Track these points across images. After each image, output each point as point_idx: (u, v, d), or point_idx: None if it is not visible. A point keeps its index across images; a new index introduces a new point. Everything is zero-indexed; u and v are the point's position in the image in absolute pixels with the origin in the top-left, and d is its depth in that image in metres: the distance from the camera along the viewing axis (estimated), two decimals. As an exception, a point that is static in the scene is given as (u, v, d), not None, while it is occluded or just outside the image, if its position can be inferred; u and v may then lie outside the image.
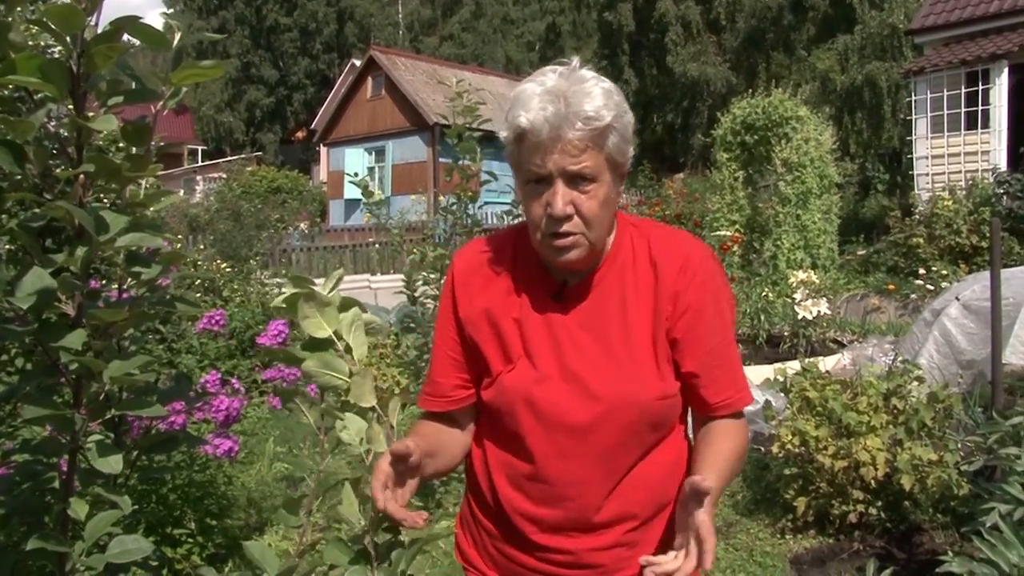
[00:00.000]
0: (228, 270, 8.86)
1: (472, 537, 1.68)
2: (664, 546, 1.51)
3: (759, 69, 30.83)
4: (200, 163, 36.63)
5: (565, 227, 1.46)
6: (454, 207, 5.76)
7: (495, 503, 1.60)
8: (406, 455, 1.34)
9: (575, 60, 1.49)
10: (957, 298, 5.74)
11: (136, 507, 3.56)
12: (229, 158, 33.96)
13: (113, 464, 1.29)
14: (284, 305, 1.41)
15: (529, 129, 1.42)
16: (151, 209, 1.53)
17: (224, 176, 24.82)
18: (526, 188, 1.49)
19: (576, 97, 1.41)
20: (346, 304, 1.44)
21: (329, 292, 1.44)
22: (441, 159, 22.93)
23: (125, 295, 1.59)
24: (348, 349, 1.43)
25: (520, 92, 1.45)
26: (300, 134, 39.79)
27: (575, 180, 1.44)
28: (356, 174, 6.98)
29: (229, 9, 41.37)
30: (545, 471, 1.51)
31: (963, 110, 13.65)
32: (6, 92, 1.52)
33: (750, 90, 14.68)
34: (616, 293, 1.55)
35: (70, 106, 1.40)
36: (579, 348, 1.52)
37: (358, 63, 29.87)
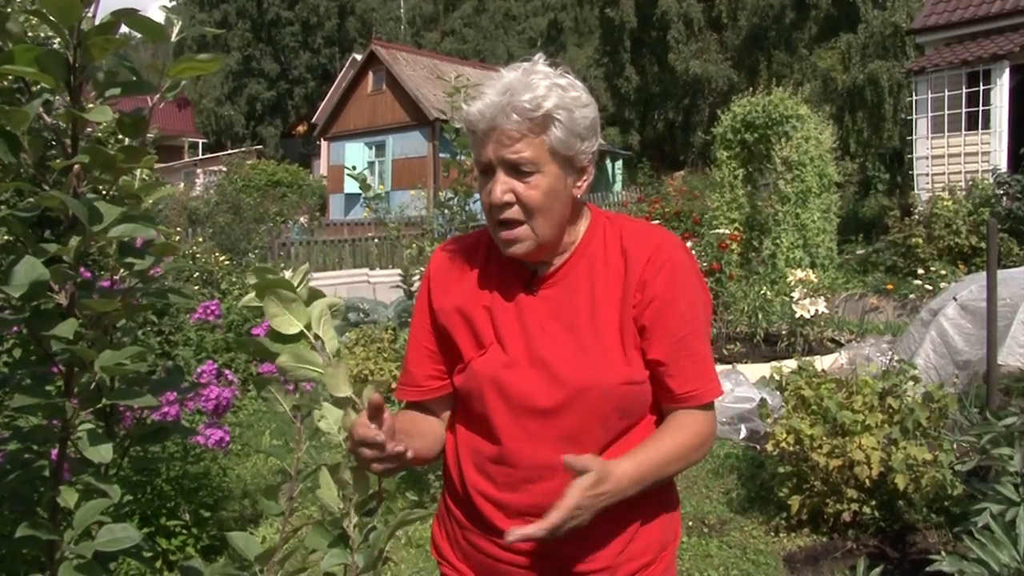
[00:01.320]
0: (227, 263, 8.87)
1: (446, 530, 1.72)
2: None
3: (760, 67, 30.82)
4: (200, 156, 36.62)
5: (506, 215, 1.52)
6: (452, 202, 5.77)
7: (463, 490, 1.63)
8: (379, 406, 1.34)
9: (538, 56, 1.55)
10: (955, 298, 5.74)
11: (131, 498, 3.57)
12: (229, 151, 33.94)
13: (103, 453, 1.30)
14: (253, 304, 1.41)
15: (469, 120, 1.51)
16: (149, 201, 1.54)
17: (224, 169, 24.81)
18: (480, 179, 1.57)
19: (519, 89, 1.47)
20: (313, 296, 1.45)
21: (298, 286, 1.44)
22: (441, 154, 22.92)
23: (118, 286, 1.59)
24: (319, 340, 1.43)
25: (481, 87, 1.53)
26: (301, 128, 39.74)
27: (515, 170, 1.50)
28: (355, 168, 6.98)
29: (230, 2, 41.32)
30: (511, 454, 1.54)
31: (964, 110, 13.65)
32: (6, 83, 1.52)
33: (751, 88, 14.67)
34: (585, 282, 1.58)
35: (65, 97, 1.40)
36: (548, 335, 1.56)
37: (359, 58, 29.85)
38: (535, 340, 1.56)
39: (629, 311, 1.54)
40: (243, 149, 33.97)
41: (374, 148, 27.13)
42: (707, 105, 30.69)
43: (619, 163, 29.78)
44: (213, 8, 41.23)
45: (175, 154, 37.24)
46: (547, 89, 1.47)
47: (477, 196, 5.87)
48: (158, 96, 1.48)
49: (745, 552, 4.13)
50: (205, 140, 40.61)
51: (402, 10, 47.39)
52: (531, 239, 1.53)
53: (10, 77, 1.49)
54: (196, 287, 7.75)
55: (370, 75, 27.70)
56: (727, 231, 11.91)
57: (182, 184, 28.40)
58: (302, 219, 20.15)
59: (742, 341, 8.29)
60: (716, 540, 4.28)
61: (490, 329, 1.60)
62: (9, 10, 1.38)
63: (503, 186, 1.51)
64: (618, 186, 27.88)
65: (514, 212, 1.52)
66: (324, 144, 30.17)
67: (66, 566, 1.22)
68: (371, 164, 26.36)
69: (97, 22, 1.36)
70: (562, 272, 1.61)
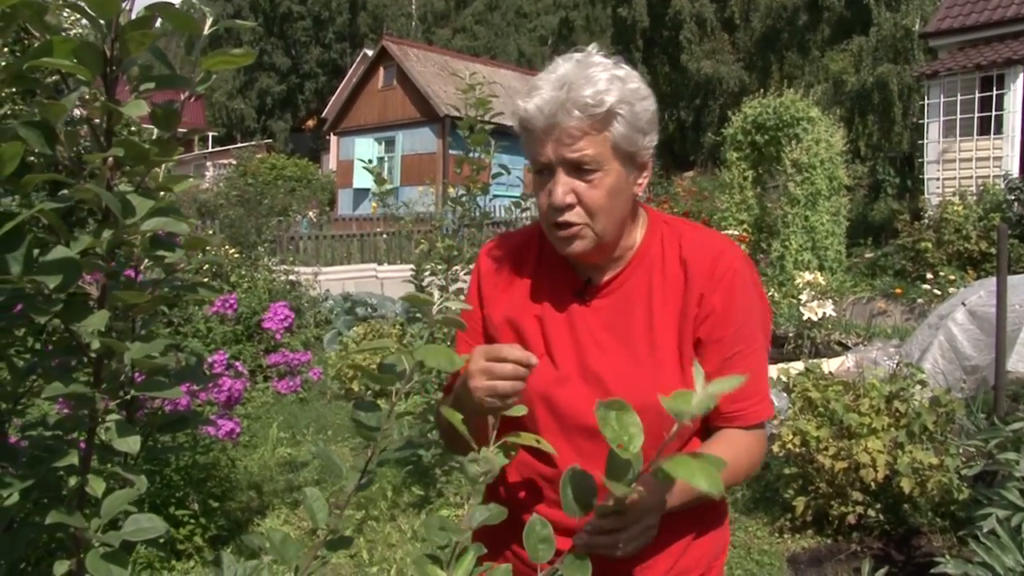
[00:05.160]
0: (236, 256, 8.91)
1: (488, 544, 1.63)
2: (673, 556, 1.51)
3: (772, 69, 30.80)
4: (210, 149, 36.70)
5: (566, 217, 1.44)
6: (463, 199, 5.80)
7: (510, 506, 1.53)
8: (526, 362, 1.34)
9: (592, 47, 1.47)
10: (964, 304, 5.75)
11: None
12: (240, 144, 34.01)
13: (131, 444, 1.32)
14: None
15: (526, 117, 1.43)
16: (173, 192, 1.57)
17: (234, 163, 24.89)
18: (535, 178, 1.48)
19: (578, 83, 1.38)
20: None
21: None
22: (451, 151, 22.94)
23: (140, 277, 1.62)
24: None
25: (534, 81, 1.45)
26: (311, 122, 39.84)
27: (576, 169, 1.42)
28: (369, 162, 7.02)
29: (243, -5, 41.40)
30: (562, 472, 1.45)
31: (976, 115, 13.63)
32: (46, 78, 1.55)
33: (762, 90, 14.67)
34: (643, 293, 1.50)
35: (99, 90, 1.43)
36: (601, 348, 1.49)
37: (370, 53, 29.88)
38: (588, 354, 1.49)
39: (688, 326, 1.47)
40: (253, 143, 34.03)
41: (384, 143, 27.17)
42: (718, 106, 30.70)
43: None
44: (227, 2, 41.29)
45: (185, 147, 37.30)
46: (608, 82, 1.39)
47: (493, 193, 5.92)
48: (190, 89, 1.50)
49: (749, 552, 4.15)
50: (215, 133, 40.71)
51: (413, 6, 47.38)
52: (590, 237, 1.45)
53: (50, 71, 1.52)
54: (206, 279, 7.79)
55: (381, 71, 27.73)
56: (736, 232, 11.93)
57: (191, 177, 28.41)
58: (311, 213, 20.20)
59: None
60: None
61: (541, 341, 1.53)
62: (47, 2, 1.40)
63: (564, 187, 1.42)
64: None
65: (575, 214, 1.44)
66: (333, 139, 30.22)
67: (93, 554, 1.23)
68: (380, 159, 26.39)
69: (133, 16, 1.39)
70: (618, 281, 1.53)
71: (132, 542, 1.30)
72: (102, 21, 1.31)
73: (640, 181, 1.50)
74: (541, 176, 1.46)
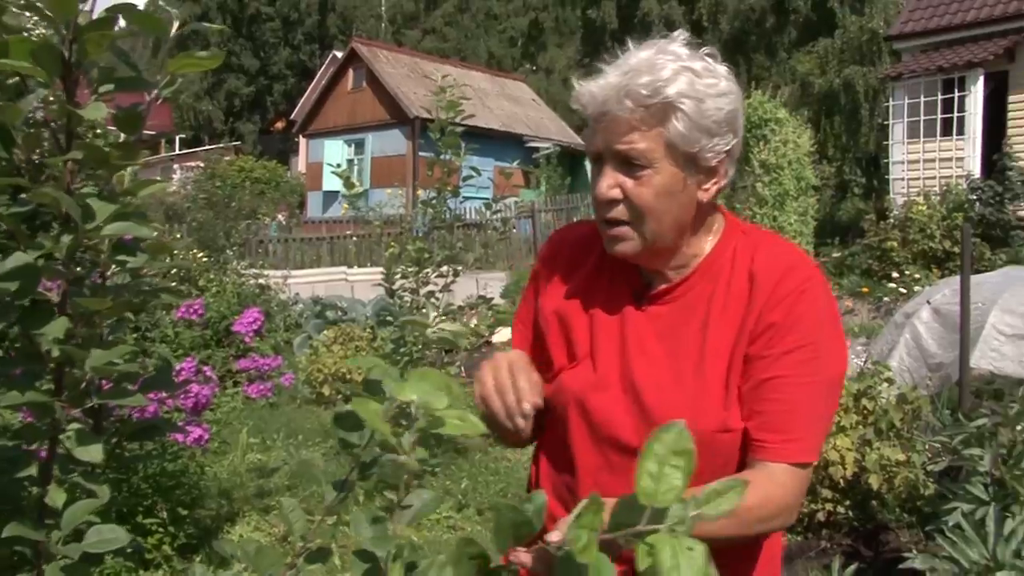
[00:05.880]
0: (204, 260, 8.83)
1: None
2: None
3: (740, 70, 30.99)
4: (178, 151, 36.35)
5: (611, 213, 1.33)
6: (434, 201, 5.79)
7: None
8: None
9: (678, 32, 1.35)
10: (928, 302, 5.83)
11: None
12: (208, 147, 33.74)
13: (93, 453, 1.29)
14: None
15: (578, 101, 1.34)
16: (137, 196, 1.54)
17: (202, 165, 24.69)
18: (591, 168, 1.38)
19: (639, 70, 1.27)
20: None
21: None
22: (421, 153, 22.90)
23: (107, 283, 1.59)
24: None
25: (605, 65, 1.35)
26: (279, 124, 39.58)
27: (625, 163, 1.30)
28: (338, 165, 6.98)
29: (211, -4, 41.06)
30: (590, 483, 1.35)
31: (939, 116, 13.83)
32: (7, 79, 1.52)
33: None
34: (703, 305, 1.37)
35: (59, 92, 1.40)
36: (648, 359, 1.36)
37: (339, 54, 29.74)
38: (632, 362, 1.37)
39: (743, 345, 1.32)
40: (221, 145, 33.76)
41: (353, 146, 27.04)
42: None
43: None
44: (193, 2, 40.94)
45: (152, 149, 36.91)
46: (673, 72, 1.26)
47: (464, 195, 5.93)
48: (155, 93, 1.48)
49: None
50: (182, 136, 40.32)
51: (383, 8, 47.25)
52: (635, 240, 1.34)
53: (11, 72, 1.49)
54: (173, 283, 7.71)
55: (350, 72, 27.60)
56: (705, 233, 11.99)
57: (159, 179, 28.15)
58: (280, 216, 20.07)
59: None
60: (692, 539, 4.31)
61: (587, 340, 1.42)
62: (7, 3, 1.38)
63: (610, 180, 1.31)
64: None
65: (620, 211, 1.33)
66: (303, 141, 30.03)
67: (53, 566, 1.22)
68: (350, 162, 26.26)
69: (93, 16, 1.36)
70: (680, 290, 1.39)
71: (97, 553, 1.29)
72: (60, 22, 1.29)
73: (707, 186, 1.35)
74: (595, 166, 1.36)
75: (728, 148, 1.33)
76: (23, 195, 1.42)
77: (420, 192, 6.86)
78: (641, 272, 1.43)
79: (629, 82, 1.26)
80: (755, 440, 1.29)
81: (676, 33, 1.35)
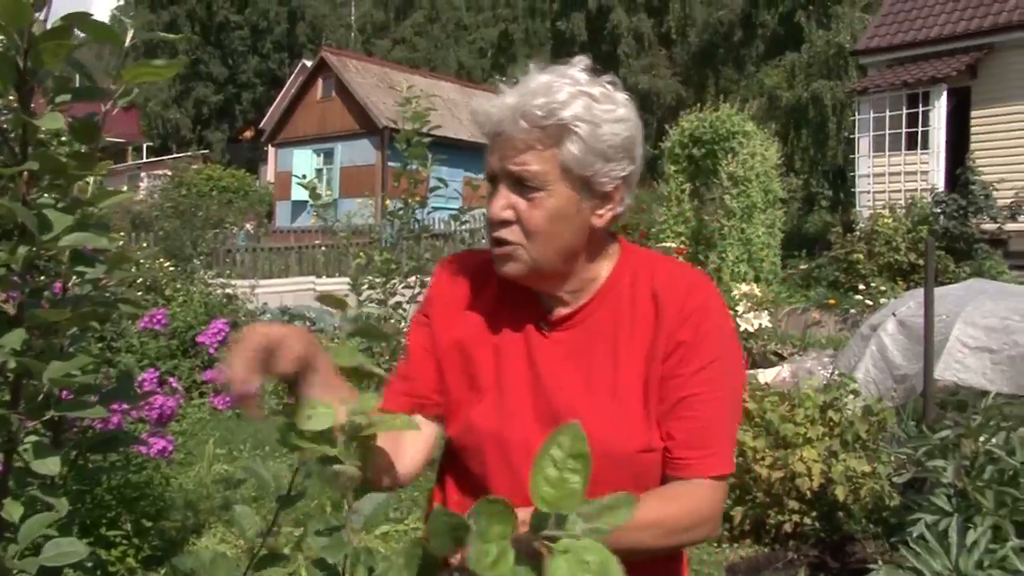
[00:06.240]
0: (171, 269, 8.74)
1: None
2: None
3: (709, 83, 31.37)
4: (145, 159, 36.04)
5: (502, 233, 1.32)
6: (401, 212, 5.77)
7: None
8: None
9: (579, 59, 1.35)
10: (894, 314, 5.89)
11: (71, 508, 3.50)
12: (175, 155, 33.47)
13: (51, 466, 1.27)
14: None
15: (475, 120, 1.35)
16: (101, 207, 1.52)
17: (169, 173, 24.50)
18: (488, 189, 1.38)
19: (535, 92, 1.27)
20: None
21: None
22: (390, 163, 22.86)
23: (67, 293, 1.57)
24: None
25: (504, 85, 1.35)
26: (248, 133, 39.35)
27: (519, 184, 1.30)
28: (304, 176, 6.95)
29: (180, 4, 40.76)
30: None
31: (904, 130, 14.06)
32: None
33: (699, 104, 14.92)
34: (608, 330, 1.37)
35: (12, 101, 1.38)
36: (561, 386, 1.36)
37: (309, 63, 29.66)
38: (546, 391, 1.36)
39: (656, 365, 1.33)
40: (189, 153, 33.51)
41: (322, 155, 26.95)
42: (655, 119, 31.10)
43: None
44: (162, 10, 40.62)
45: (119, 157, 36.58)
46: (570, 96, 1.26)
47: (432, 206, 5.91)
48: (111, 102, 1.46)
49: (688, 562, 4.17)
50: (150, 143, 39.97)
51: (353, 17, 47.20)
52: (525, 261, 1.32)
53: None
54: (139, 292, 7.62)
55: (320, 82, 27.52)
56: (673, 245, 12.07)
57: (125, 187, 27.90)
58: (248, 226, 19.93)
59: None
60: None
61: (491, 371, 1.40)
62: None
63: (503, 201, 1.31)
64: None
65: (512, 232, 1.31)
66: (272, 150, 29.87)
67: None
68: (319, 171, 26.17)
69: (48, 26, 1.34)
70: (581, 315, 1.39)
71: (55, 568, 1.26)
72: (14, 31, 1.27)
73: (601, 212, 1.34)
74: (491, 186, 1.35)
75: (624, 174, 1.33)
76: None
77: (388, 203, 6.84)
78: (541, 299, 1.41)
79: (525, 103, 1.27)
80: (676, 458, 1.31)
81: (576, 59, 1.35)
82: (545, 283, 1.38)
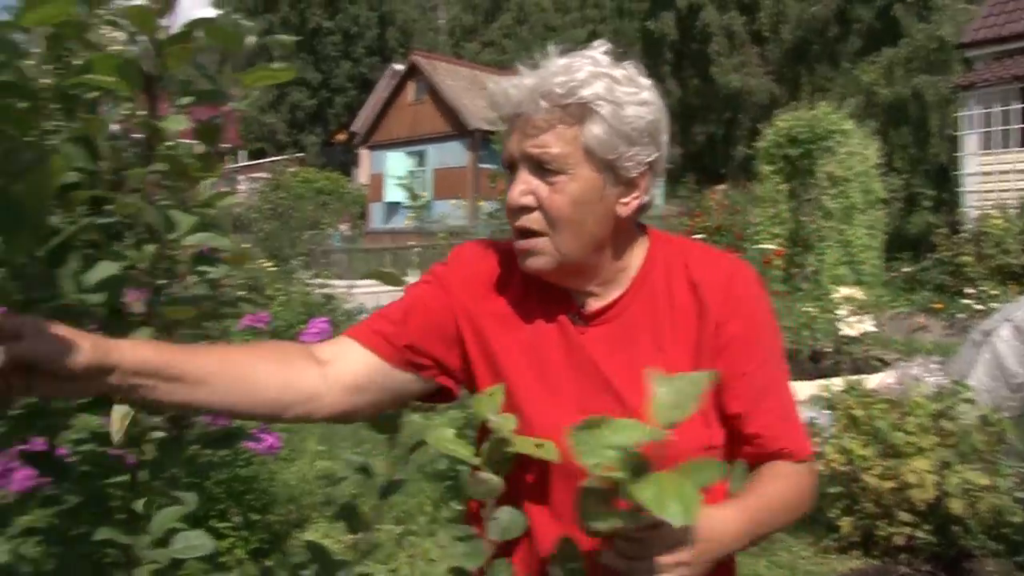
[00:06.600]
0: (272, 269, 8.94)
1: None
2: None
3: (803, 81, 30.61)
4: (242, 163, 37.06)
5: (523, 221, 1.25)
6: (497, 212, 5.78)
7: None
8: None
9: (598, 43, 1.29)
10: (1008, 319, 5.63)
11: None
12: (273, 159, 34.32)
13: (178, 461, 1.31)
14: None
15: (492, 101, 1.29)
16: (216, 207, 1.55)
17: (267, 176, 25.12)
18: (507, 177, 1.31)
19: (555, 72, 1.22)
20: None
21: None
22: (483, 165, 22.99)
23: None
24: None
25: (519, 66, 1.30)
26: (341, 136, 40.10)
27: (539, 168, 1.23)
28: (404, 175, 7.03)
29: (274, 12, 41.81)
30: (568, 519, 1.18)
31: (1015, 126, 13.44)
32: (85, 94, 1.54)
33: (793, 102, 14.58)
34: (647, 321, 1.30)
35: (141, 106, 1.41)
36: (606, 385, 1.27)
37: (399, 67, 30.08)
38: (589, 390, 1.27)
39: (705, 360, 1.26)
40: (286, 156, 34.33)
41: (415, 157, 27.30)
42: (748, 119, 30.53)
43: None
44: (258, 16, 41.75)
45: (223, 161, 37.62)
46: (590, 75, 1.21)
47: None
48: (233, 105, 1.49)
49: (795, 573, 4.06)
50: (248, 148, 41.11)
51: (442, 21, 47.67)
52: (551, 255, 1.25)
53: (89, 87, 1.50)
54: (241, 292, 7.81)
55: (411, 85, 27.91)
56: (770, 247, 11.82)
57: (227, 190, 28.64)
58: (343, 227, 20.28)
59: (787, 359, 8.20)
60: (764, 560, 4.21)
61: (524, 366, 1.30)
62: (91, 23, 1.39)
63: (523, 186, 1.24)
64: (659, 200, 27.77)
65: (533, 220, 1.24)
66: (364, 153, 30.39)
67: (140, 571, 1.22)
68: (411, 173, 26.53)
69: (172, 31, 1.37)
70: (617, 308, 1.31)
71: (180, 559, 1.28)
72: (145, 36, 1.30)
73: (627, 200, 1.27)
74: (511, 173, 1.28)
75: (650, 160, 1.26)
76: (105, 207, 1.42)
77: (483, 203, 6.86)
78: (570, 292, 1.33)
79: (545, 82, 1.22)
80: (774, 452, 1.29)
81: (597, 42, 1.29)
82: (572, 279, 1.30)
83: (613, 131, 1.21)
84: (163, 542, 1.24)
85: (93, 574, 1.21)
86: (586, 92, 1.20)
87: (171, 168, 1.40)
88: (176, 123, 1.40)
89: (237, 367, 1.20)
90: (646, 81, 1.27)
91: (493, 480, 1.17)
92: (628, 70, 1.26)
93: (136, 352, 1.08)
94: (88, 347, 1.01)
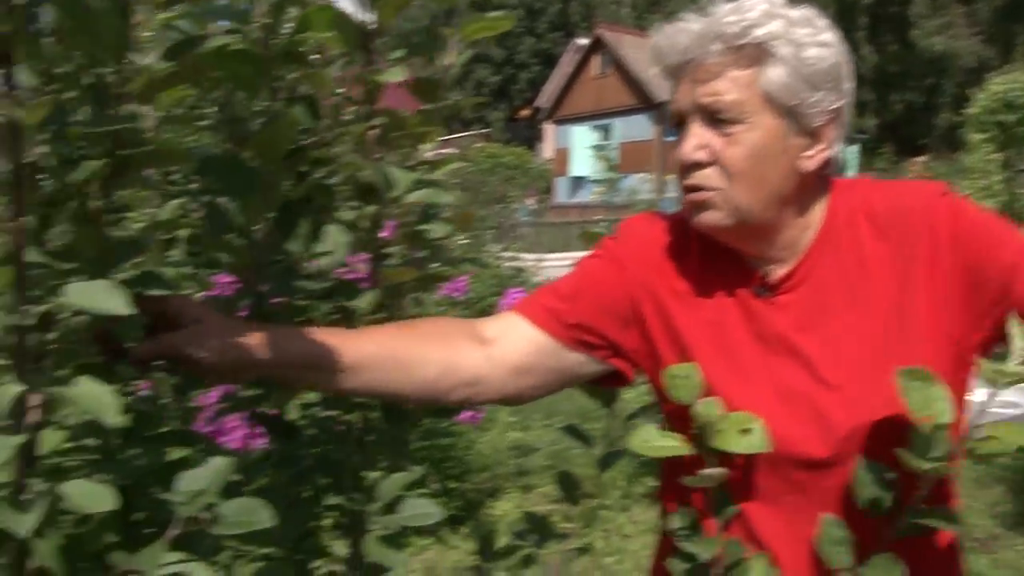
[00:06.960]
0: (465, 241, 9.12)
1: None
2: None
3: (1017, 41, 28.28)
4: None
5: (695, 179, 1.11)
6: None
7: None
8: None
9: None
10: None
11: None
12: (461, 134, 35.15)
13: (403, 429, 1.29)
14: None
15: (655, 51, 1.17)
16: (440, 173, 1.53)
17: (455, 151, 25.80)
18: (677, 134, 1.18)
19: (726, 12, 1.10)
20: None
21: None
22: (667, 138, 22.64)
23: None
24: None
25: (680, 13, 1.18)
26: (525, 112, 40.55)
27: (714, 119, 1.09)
28: (596, 149, 6.96)
29: (460, -9, 42.80)
30: (776, 508, 1.14)
31: None
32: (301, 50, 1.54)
33: (1005, 64, 13.46)
34: (837, 281, 1.14)
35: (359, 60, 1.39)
36: (802, 358, 1.13)
37: (582, 42, 30.04)
38: (783, 366, 1.14)
39: (941, 308, 1.10)
40: (472, 132, 35.06)
41: (600, 131, 27.22)
42: (953, 84, 28.50)
43: (854, 148, 28.28)
44: (441, -2, 42.79)
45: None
46: (763, 14, 1.08)
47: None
48: (452, 60, 1.45)
49: (1019, 573, 3.75)
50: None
51: (625, -7, 47.16)
52: (727, 210, 1.11)
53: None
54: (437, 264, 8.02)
55: (595, 58, 27.85)
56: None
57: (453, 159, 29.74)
58: (529, 201, 20.52)
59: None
60: (986, 558, 3.90)
61: (714, 352, 1.17)
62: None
63: (695, 140, 1.10)
64: (852, 172, 26.50)
65: (707, 177, 1.11)
66: (549, 128, 30.57)
67: (370, 536, 1.22)
68: (597, 147, 26.49)
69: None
70: (802, 271, 1.16)
71: (405, 527, 1.27)
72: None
73: (811, 153, 1.12)
74: (678, 129, 1.15)
75: (835, 107, 1.11)
76: (327, 167, 1.41)
77: (669, 177, 6.70)
78: (750, 262, 1.18)
79: (714, 24, 1.09)
80: None
81: None
82: (750, 241, 1.16)
83: (794, 73, 1.08)
84: (390, 508, 1.22)
85: (317, 536, 1.22)
86: (761, 32, 1.07)
87: (391, 124, 1.37)
88: (395, 75, 1.37)
89: (396, 351, 1.16)
90: (823, 22, 1.13)
91: (717, 472, 1.09)
92: (804, 12, 1.13)
93: (290, 343, 1.07)
94: (238, 344, 1.02)
